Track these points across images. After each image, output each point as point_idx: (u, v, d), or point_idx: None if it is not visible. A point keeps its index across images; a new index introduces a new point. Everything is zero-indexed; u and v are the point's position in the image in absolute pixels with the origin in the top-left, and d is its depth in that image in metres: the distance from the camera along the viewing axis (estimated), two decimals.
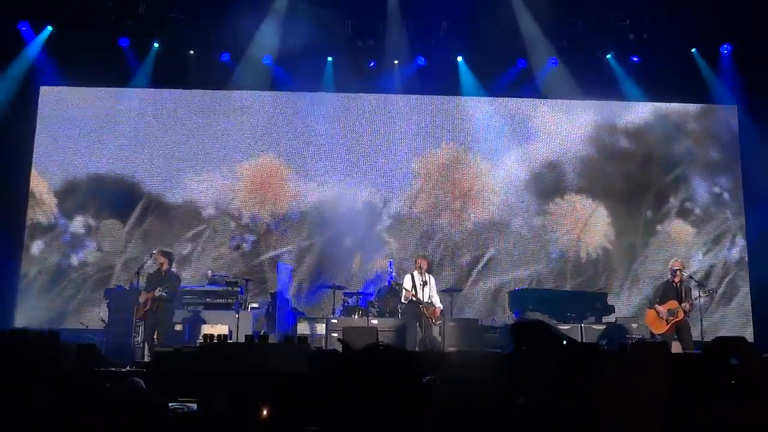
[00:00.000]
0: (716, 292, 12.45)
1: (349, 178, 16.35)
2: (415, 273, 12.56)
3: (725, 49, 15.86)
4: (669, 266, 12.45)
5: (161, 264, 12.64)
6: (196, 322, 13.28)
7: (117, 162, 16.17)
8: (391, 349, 2.01)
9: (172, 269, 12.76)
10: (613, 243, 16.33)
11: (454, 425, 2.38)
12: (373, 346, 2.01)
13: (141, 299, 12.42)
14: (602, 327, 13.52)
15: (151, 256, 13.16)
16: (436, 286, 12.86)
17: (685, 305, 11.90)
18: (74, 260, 15.88)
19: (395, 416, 1.84)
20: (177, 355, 9.31)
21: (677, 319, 11.80)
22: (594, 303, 14.14)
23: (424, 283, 12.55)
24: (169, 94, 16.51)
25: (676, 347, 11.53)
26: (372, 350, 1.98)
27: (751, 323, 15.72)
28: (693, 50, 15.97)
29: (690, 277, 13.04)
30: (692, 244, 16.31)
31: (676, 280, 12.15)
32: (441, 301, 13.07)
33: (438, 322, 12.50)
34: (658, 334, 11.86)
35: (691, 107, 16.77)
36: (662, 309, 11.97)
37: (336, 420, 1.85)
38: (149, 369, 8.88)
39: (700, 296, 12.51)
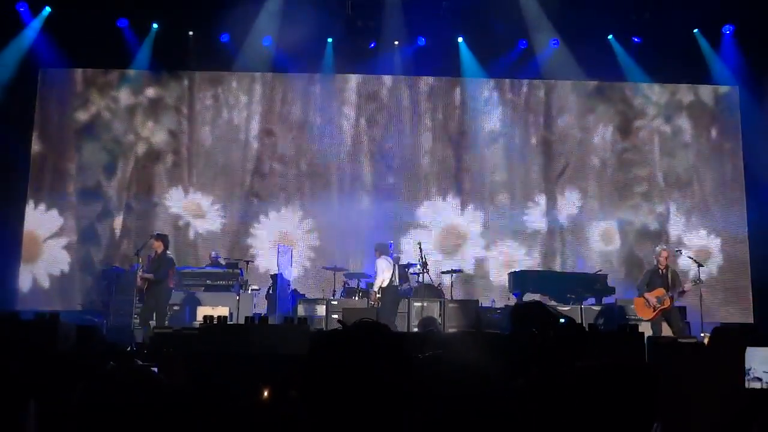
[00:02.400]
0: (702, 282, 12.51)
1: (351, 159, 16.34)
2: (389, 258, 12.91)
3: (727, 29, 15.78)
4: (656, 255, 12.50)
5: (157, 247, 12.68)
6: (196, 303, 13.31)
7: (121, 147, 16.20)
8: (380, 325, 2.01)
9: (168, 253, 12.73)
10: (611, 224, 16.36)
11: (450, 404, 2.39)
12: (361, 322, 2.01)
13: (138, 281, 12.50)
14: (601, 308, 13.56)
15: (150, 239, 13.18)
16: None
17: (673, 293, 12.04)
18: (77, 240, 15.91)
19: (384, 393, 1.85)
20: (176, 336, 9.34)
21: (664, 307, 11.97)
22: (594, 284, 14.16)
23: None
24: (167, 75, 16.47)
25: (665, 330, 11.78)
26: (360, 326, 1.98)
27: (752, 306, 15.75)
28: (695, 30, 15.89)
29: (695, 260, 13.13)
30: (692, 226, 16.30)
31: (662, 267, 12.24)
32: (441, 282, 13.67)
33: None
34: (646, 320, 12.02)
35: (692, 87, 16.70)
36: (651, 297, 12.07)
37: (323, 395, 1.86)
38: (149, 350, 8.92)
39: (699, 280, 12.56)
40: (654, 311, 11.97)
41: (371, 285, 13.90)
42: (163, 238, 12.87)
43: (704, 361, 3.16)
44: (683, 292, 12.14)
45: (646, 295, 12.10)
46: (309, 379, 1.91)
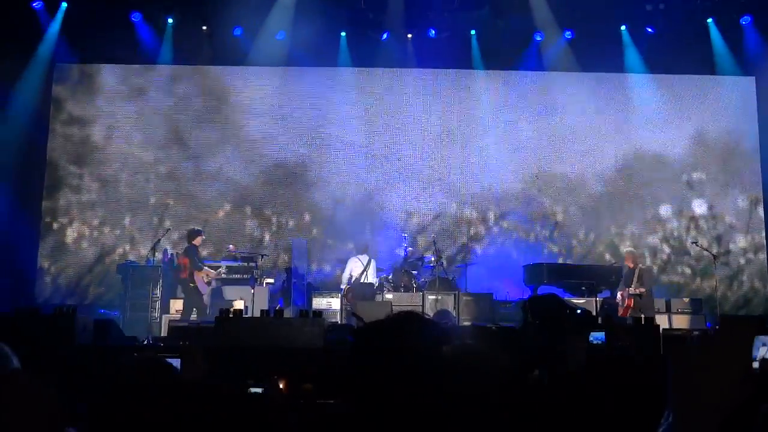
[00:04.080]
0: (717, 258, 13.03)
1: (365, 154, 16.35)
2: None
3: (745, 20, 15.63)
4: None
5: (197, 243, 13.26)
6: (214, 297, 13.38)
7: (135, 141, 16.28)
8: (416, 314, 2.03)
9: (192, 245, 12.97)
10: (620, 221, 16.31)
11: (464, 398, 2.40)
12: (397, 314, 2.02)
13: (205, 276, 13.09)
14: (617, 301, 13.50)
15: (167, 232, 13.37)
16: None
17: (633, 289, 12.52)
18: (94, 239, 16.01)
19: (422, 385, 1.85)
20: (193, 329, 9.40)
21: (628, 305, 12.32)
22: (608, 277, 14.09)
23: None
24: (182, 70, 16.51)
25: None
26: (397, 319, 1.99)
27: None
28: (709, 20, 15.75)
29: (710, 252, 13.33)
30: (708, 218, 16.21)
31: (631, 266, 12.86)
32: (453, 274, 13.91)
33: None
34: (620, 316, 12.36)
35: (708, 78, 16.56)
36: (620, 294, 12.84)
37: (364, 391, 1.87)
38: (166, 343, 8.98)
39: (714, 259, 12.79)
40: (621, 309, 12.42)
41: (384, 278, 13.92)
42: (188, 232, 13.28)
43: (713, 349, 3.17)
44: (637, 294, 12.40)
45: (619, 292, 12.91)
46: (360, 370, 1.92)
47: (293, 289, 13.74)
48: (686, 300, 14.14)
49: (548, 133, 16.49)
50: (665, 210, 16.27)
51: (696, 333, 11.79)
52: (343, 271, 14.18)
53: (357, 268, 13.11)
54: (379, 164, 16.37)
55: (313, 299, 13.38)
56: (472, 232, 16.20)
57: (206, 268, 13.11)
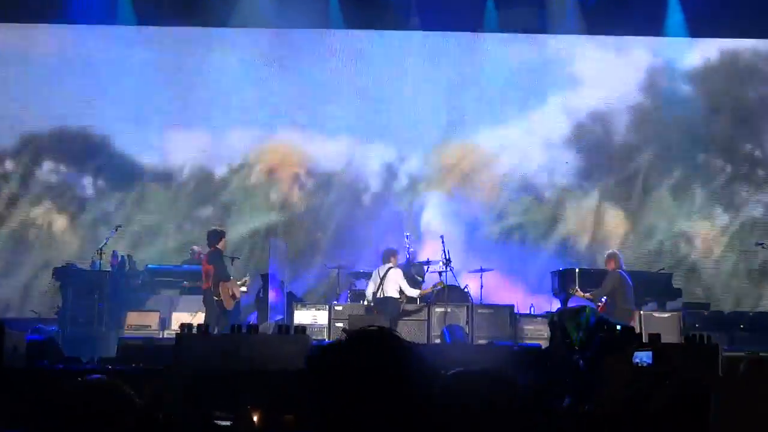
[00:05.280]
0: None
1: (359, 131, 16.37)
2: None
3: None
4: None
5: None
6: (171, 309, 13.35)
7: (78, 114, 16.25)
8: (389, 333, 1.97)
9: (216, 249, 12.70)
10: (670, 210, 16.34)
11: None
12: (365, 330, 1.97)
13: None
14: (665, 315, 13.49)
15: (115, 230, 13.33)
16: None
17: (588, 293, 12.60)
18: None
19: (397, 418, 1.82)
20: (149, 349, 9.38)
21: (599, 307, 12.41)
22: (656, 286, 14.08)
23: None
24: (143, 32, 16.49)
25: None
26: (363, 336, 1.94)
27: None
28: None
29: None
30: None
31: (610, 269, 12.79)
32: (469, 282, 13.68)
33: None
34: None
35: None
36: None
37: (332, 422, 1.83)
38: (116, 365, 8.97)
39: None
40: None
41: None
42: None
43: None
44: (595, 294, 12.58)
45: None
46: (307, 403, 1.90)
47: (270, 301, 13.69)
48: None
49: (579, 108, 16.52)
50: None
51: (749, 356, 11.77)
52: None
53: (372, 282, 13.02)
54: (376, 143, 16.37)
55: (296, 312, 13.34)
56: (486, 230, 16.22)
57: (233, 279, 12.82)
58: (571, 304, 12.94)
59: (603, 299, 12.37)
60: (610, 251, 13.26)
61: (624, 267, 12.72)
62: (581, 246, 16.27)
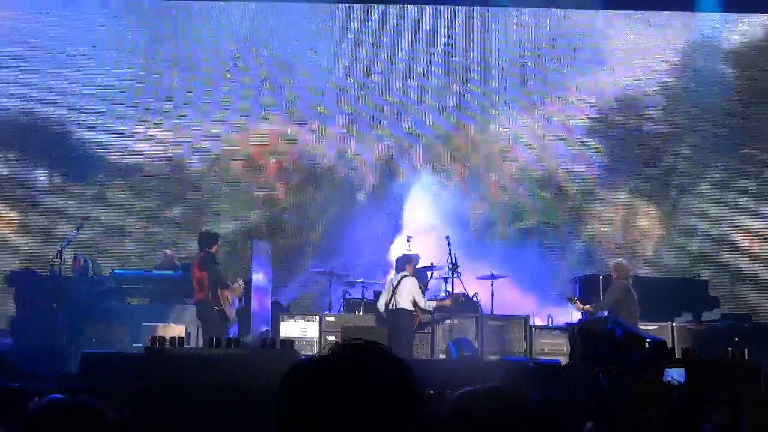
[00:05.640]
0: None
1: (354, 118, 16.37)
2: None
3: None
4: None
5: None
6: (143, 320, 13.35)
7: (32, 100, 16.25)
8: (378, 347, 1.94)
9: (208, 253, 12.63)
10: (711, 209, 16.35)
11: None
12: (347, 345, 1.93)
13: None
14: (701, 327, 13.52)
15: (77, 230, 13.32)
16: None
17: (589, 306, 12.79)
18: None
19: None
20: (113, 363, 9.39)
21: None
22: (690, 294, 14.10)
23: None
24: (107, 7, 16.50)
25: None
26: (347, 349, 1.91)
27: None
28: None
29: None
30: None
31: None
32: (478, 290, 13.63)
33: None
34: None
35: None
36: None
37: None
38: (79, 381, 8.99)
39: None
40: None
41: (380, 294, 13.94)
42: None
43: None
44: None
45: None
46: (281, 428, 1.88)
47: (253, 311, 13.70)
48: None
49: (604, 91, 16.52)
50: None
51: None
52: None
53: (385, 292, 13.05)
54: (373, 132, 16.40)
55: (282, 323, 13.36)
56: (499, 231, 16.23)
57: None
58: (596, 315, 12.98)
59: (604, 312, 12.42)
60: (616, 260, 13.34)
61: (630, 277, 12.78)
62: (609, 249, 16.25)
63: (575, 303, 12.80)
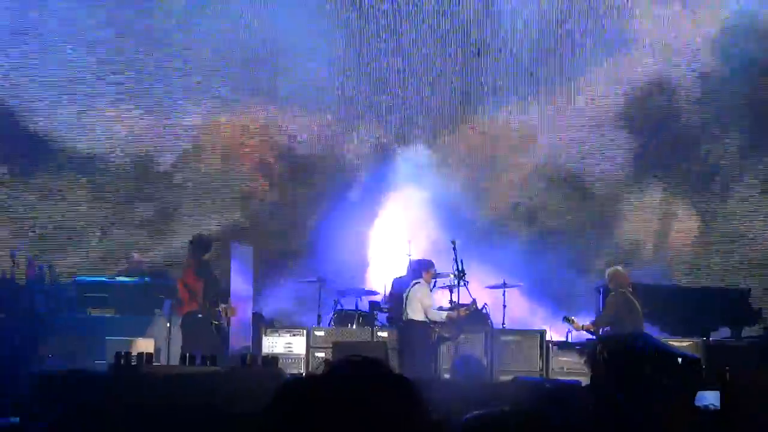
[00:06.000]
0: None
1: (346, 104, 16.40)
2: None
3: None
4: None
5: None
6: (107, 333, 13.36)
7: None
8: (379, 363, 1.95)
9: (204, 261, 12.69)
10: (759, 209, 16.40)
11: None
12: (350, 360, 1.93)
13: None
14: (740, 344, 13.54)
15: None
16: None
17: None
18: None
19: None
20: (71, 383, 9.39)
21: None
22: (728, 306, 14.12)
23: None
24: None
25: None
26: (348, 366, 1.92)
27: None
28: None
29: None
30: None
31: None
32: (488, 303, 13.66)
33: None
34: None
35: None
36: None
37: None
38: (31, 406, 8.98)
39: None
40: None
41: (377, 306, 13.95)
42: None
43: None
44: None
45: None
46: None
47: (231, 323, 13.72)
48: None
49: (633, 76, 16.57)
50: None
51: None
52: None
53: (392, 300, 13.13)
54: (368, 120, 16.45)
55: (264, 338, 13.39)
56: (513, 234, 16.27)
57: None
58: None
59: (606, 328, 12.45)
60: (611, 268, 13.36)
61: (629, 285, 12.78)
62: (641, 256, 16.27)
63: (573, 323, 12.81)
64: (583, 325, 12.70)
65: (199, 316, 12.21)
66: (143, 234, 16.15)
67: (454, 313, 12.92)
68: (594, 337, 12.53)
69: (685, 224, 16.44)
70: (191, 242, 12.95)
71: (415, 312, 12.47)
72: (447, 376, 12.53)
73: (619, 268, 13.38)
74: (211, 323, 12.20)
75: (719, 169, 16.50)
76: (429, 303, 12.61)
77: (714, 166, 16.51)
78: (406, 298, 12.62)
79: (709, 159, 16.52)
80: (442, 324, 12.82)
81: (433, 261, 13.96)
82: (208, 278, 12.44)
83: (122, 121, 16.39)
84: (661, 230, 16.44)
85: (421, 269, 12.85)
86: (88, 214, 16.28)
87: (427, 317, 12.55)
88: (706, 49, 16.62)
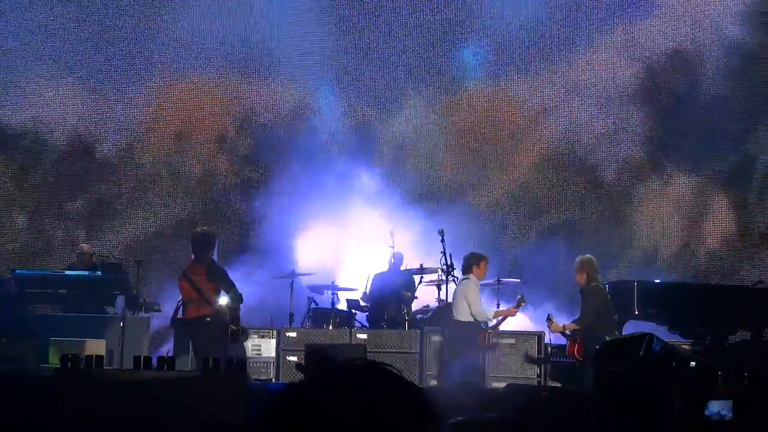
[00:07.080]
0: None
1: (319, 69, 16.43)
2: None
3: None
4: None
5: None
6: (52, 333, 13.37)
7: None
8: (380, 368, 1.96)
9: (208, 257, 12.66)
10: None
11: None
12: (352, 362, 1.93)
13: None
14: (761, 347, 13.61)
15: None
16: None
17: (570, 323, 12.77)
18: None
19: None
20: (14, 389, 9.41)
21: (570, 345, 12.55)
22: (748, 305, 14.19)
23: None
24: None
25: None
26: (349, 370, 1.93)
27: None
28: None
29: None
30: None
31: (581, 284, 12.94)
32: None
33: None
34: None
35: None
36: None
37: None
38: None
39: None
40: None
41: (355, 304, 14.00)
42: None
43: None
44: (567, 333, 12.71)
45: None
46: None
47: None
48: None
49: (651, 47, 16.58)
50: None
51: None
52: None
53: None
54: (345, 89, 16.54)
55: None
56: (516, 227, 16.32)
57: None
58: (627, 330, 13.06)
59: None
60: (581, 257, 13.19)
61: (600, 278, 12.87)
62: (664, 252, 16.29)
63: (551, 323, 12.76)
64: (564, 325, 12.62)
65: (207, 319, 12.16)
66: (77, 229, 16.11)
67: (505, 312, 12.99)
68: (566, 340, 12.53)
69: (714, 215, 16.32)
70: (193, 240, 12.89)
71: (459, 312, 12.50)
72: (434, 382, 12.59)
73: (590, 256, 13.22)
74: (231, 329, 12.14)
75: (752, 154, 16.41)
76: (474, 299, 12.54)
77: (744, 150, 16.40)
78: (455, 296, 12.68)
79: (740, 142, 16.41)
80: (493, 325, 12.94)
81: (420, 255, 14.06)
82: (227, 282, 12.38)
83: (63, 98, 16.29)
84: (680, 222, 16.38)
85: (471, 264, 12.77)
86: (18, 199, 16.18)
87: (473, 317, 12.54)
88: (734, 17, 16.44)
